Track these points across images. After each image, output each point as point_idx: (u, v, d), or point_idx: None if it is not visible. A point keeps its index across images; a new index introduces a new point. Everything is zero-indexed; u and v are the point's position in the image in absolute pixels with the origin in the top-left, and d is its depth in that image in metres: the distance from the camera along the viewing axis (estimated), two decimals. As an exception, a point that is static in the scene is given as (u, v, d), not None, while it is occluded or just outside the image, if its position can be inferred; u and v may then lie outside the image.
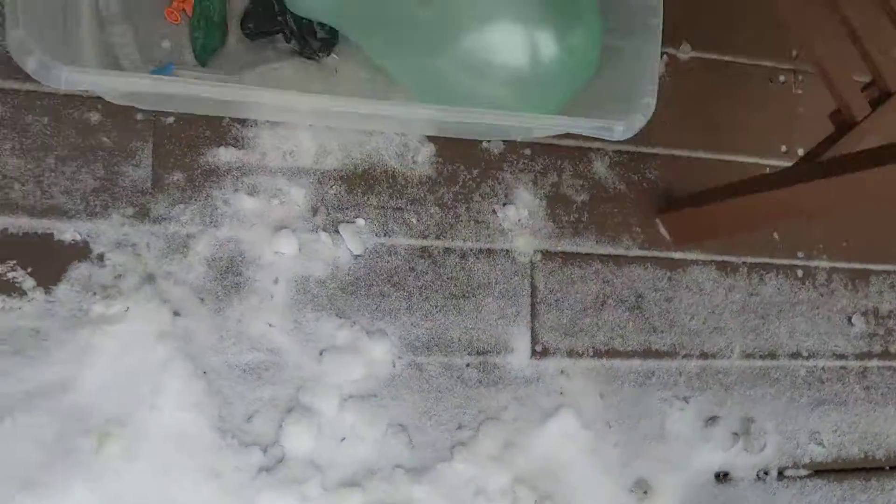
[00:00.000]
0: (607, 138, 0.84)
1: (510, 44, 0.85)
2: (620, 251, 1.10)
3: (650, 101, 0.84)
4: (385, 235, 0.99)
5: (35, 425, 0.83)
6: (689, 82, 1.17)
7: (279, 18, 0.92)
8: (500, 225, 1.04)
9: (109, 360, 0.86)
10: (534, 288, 1.05)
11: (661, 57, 1.15)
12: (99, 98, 0.88)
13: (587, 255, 1.09)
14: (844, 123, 0.98)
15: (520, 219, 1.05)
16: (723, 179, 1.13)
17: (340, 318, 0.96)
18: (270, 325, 0.93)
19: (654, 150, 1.14)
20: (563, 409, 1.04)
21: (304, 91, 0.92)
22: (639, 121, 0.84)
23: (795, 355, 1.19)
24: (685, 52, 1.17)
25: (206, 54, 0.90)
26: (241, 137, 0.93)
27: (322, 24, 0.92)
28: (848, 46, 0.95)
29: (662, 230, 1.13)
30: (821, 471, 1.18)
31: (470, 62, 0.86)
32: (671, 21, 1.11)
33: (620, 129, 0.84)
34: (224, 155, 0.93)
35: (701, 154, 1.17)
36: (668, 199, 1.14)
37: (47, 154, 0.86)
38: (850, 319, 1.22)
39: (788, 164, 1.19)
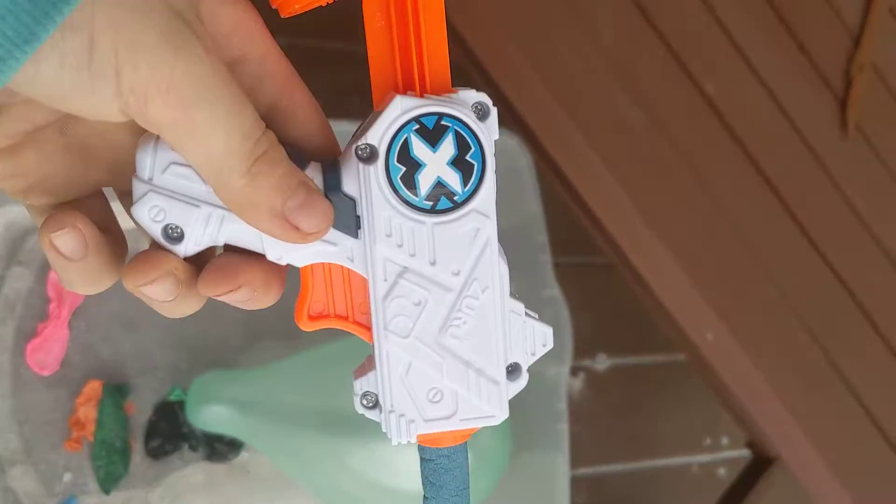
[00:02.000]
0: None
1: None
2: (555, 588, 1.08)
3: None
4: None
5: None
6: (608, 394, 1.18)
7: (184, 430, 0.91)
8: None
9: None
10: None
11: (577, 374, 1.17)
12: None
13: None
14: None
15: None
16: (651, 487, 1.13)
17: None
18: None
19: (580, 473, 1.14)
20: None
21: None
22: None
23: None
24: (602, 363, 1.18)
25: (110, 483, 0.88)
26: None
27: (230, 427, 0.91)
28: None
29: (597, 557, 1.12)
30: None
31: (376, 479, 0.85)
32: (584, 334, 1.12)
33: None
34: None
35: (627, 465, 1.17)
36: (600, 522, 1.13)
37: None
38: None
39: (714, 457, 1.19)
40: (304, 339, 1.00)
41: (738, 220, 0.60)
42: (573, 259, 1.18)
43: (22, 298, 0.89)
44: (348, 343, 0.95)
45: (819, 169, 0.65)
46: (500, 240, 0.33)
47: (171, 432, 0.91)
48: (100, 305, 0.92)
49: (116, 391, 0.89)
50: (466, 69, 0.88)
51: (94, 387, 0.88)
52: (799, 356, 0.63)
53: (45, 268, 0.90)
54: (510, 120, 0.89)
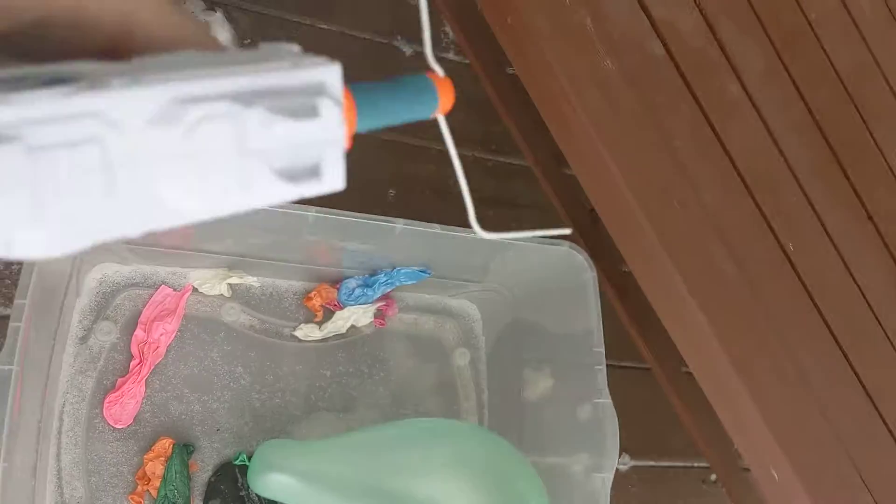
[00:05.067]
0: None
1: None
2: None
3: None
4: None
5: None
6: (627, 493, 1.23)
7: (242, 494, 0.95)
8: None
9: None
10: None
11: (603, 473, 1.22)
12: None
13: None
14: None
15: None
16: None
17: None
18: None
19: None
20: None
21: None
22: None
23: None
24: (624, 464, 1.24)
25: (167, 539, 0.91)
26: None
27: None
28: None
29: None
30: None
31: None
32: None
33: None
34: None
35: (638, 567, 1.22)
36: None
37: None
38: None
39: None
40: (357, 414, 1.05)
41: (806, 367, 0.67)
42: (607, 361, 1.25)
43: (105, 352, 0.94)
44: (403, 427, 1.01)
45: (878, 330, 0.72)
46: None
47: (230, 495, 0.95)
48: (177, 366, 0.97)
49: (184, 450, 0.93)
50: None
51: (164, 444, 0.92)
52: (852, 498, 0.69)
53: (130, 325, 0.95)
54: (608, 266, 0.96)
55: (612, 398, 0.94)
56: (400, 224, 0.90)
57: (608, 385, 0.95)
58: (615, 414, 0.94)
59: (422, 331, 1.12)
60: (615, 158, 0.62)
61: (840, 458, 0.68)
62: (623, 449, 1.25)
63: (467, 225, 0.91)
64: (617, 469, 1.23)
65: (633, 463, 1.25)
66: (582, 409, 0.98)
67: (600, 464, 0.95)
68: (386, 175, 1.15)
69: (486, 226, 1.04)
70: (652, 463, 1.26)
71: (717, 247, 0.65)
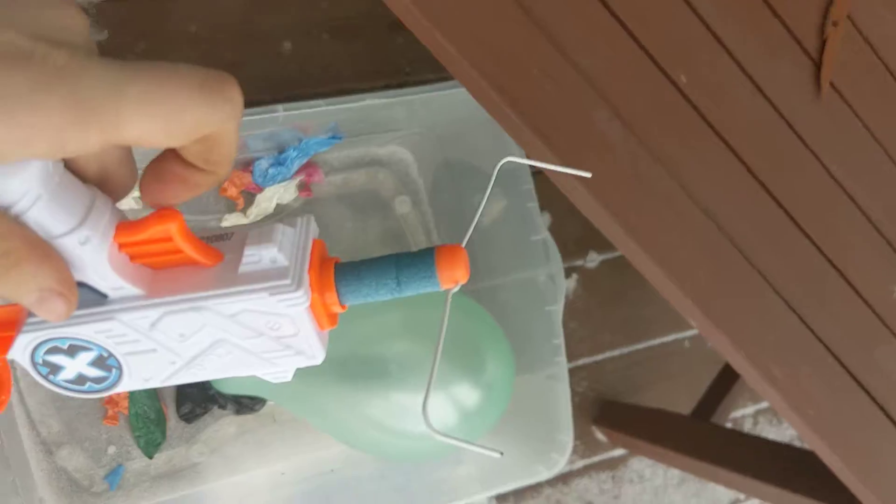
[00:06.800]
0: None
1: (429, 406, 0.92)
2: (566, 469, 1.20)
3: (566, 439, 0.92)
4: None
5: None
6: (600, 288, 1.24)
7: (211, 393, 0.98)
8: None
9: None
10: (493, 536, 1.15)
11: (571, 275, 1.22)
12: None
13: (536, 485, 1.18)
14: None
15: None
16: (647, 367, 1.22)
17: None
18: None
19: (580, 363, 1.22)
20: None
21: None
22: (558, 461, 0.92)
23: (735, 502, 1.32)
24: (593, 261, 1.23)
25: (151, 449, 0.95)
26: None
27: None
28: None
29: (599, 435, 1.23)
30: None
31: (389, 427, 0.93)
32: (575, 237, 1.17)
33: (544, 472, 0.92)
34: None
35: (623, 350, 1.26)
36: (601, 405, 1.23)
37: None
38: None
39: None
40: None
41: (713, 205, 0.61)
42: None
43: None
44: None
45: (794, 139, 0.65)
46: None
47: (199, 396, 0.97)
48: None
49: (142, 368, 0.95)
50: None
51: (120, 368, 0.94)
52: (775, 322, 0.66)
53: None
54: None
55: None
56: (280, 111, 0.83)
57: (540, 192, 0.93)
58: (556, 246, 0.93)
59: (355, 188, 1.07)
60: (444, 32, 0.53)
61: (761, 286, 0.66)
62: (589, 247, 1.24)
63: (380, 71, 0.81)
64: (586, 268, 1.24)
65: (600, 258, 1.24)
66: (531, 225, 0.96)
67: (553, 300, 0.95)
68: (275, 25, 1.04)
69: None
70: (619, 253, 1.25)
71: (600, 111, 0.58)
